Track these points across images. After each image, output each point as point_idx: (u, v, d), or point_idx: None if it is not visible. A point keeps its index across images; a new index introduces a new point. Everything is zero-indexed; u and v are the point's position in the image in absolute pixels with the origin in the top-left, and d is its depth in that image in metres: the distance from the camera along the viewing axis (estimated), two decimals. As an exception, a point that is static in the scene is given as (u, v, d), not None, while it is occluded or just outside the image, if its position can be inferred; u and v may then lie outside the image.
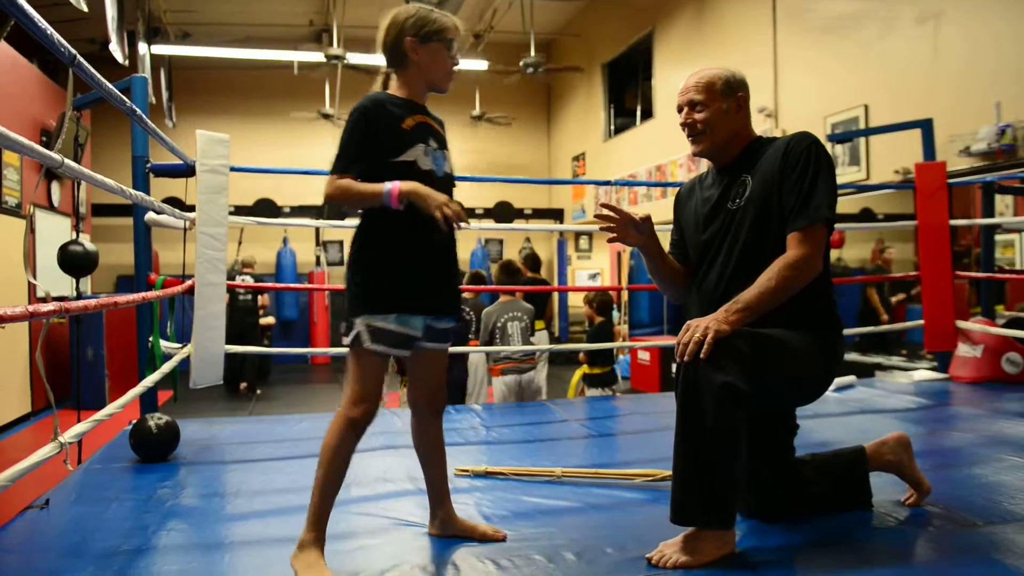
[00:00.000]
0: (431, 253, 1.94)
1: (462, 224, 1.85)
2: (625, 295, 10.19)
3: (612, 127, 12.45)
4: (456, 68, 2.03)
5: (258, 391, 8.81)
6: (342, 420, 1.89)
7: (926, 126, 4.84)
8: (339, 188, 1.87)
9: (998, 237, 7.21)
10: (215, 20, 11.45)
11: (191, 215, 3.40)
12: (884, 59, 6.62)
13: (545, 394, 5.18)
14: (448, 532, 2.05)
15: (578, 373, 5.33)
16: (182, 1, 10.75)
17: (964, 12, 5.84)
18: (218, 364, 3.34)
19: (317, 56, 10.90)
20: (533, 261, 6.75)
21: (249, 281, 8.87)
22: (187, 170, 3.46)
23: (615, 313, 12.34)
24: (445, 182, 2.00)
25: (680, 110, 2.18)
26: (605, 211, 2.14)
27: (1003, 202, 7.11)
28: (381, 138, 1.89)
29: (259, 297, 9.06)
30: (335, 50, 10.45)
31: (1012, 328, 4.44)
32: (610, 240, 2.17)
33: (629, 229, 2.16)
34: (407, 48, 1.95)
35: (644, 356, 8.77)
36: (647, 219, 2.16)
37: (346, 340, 1.90)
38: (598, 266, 13.93)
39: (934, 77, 6.05)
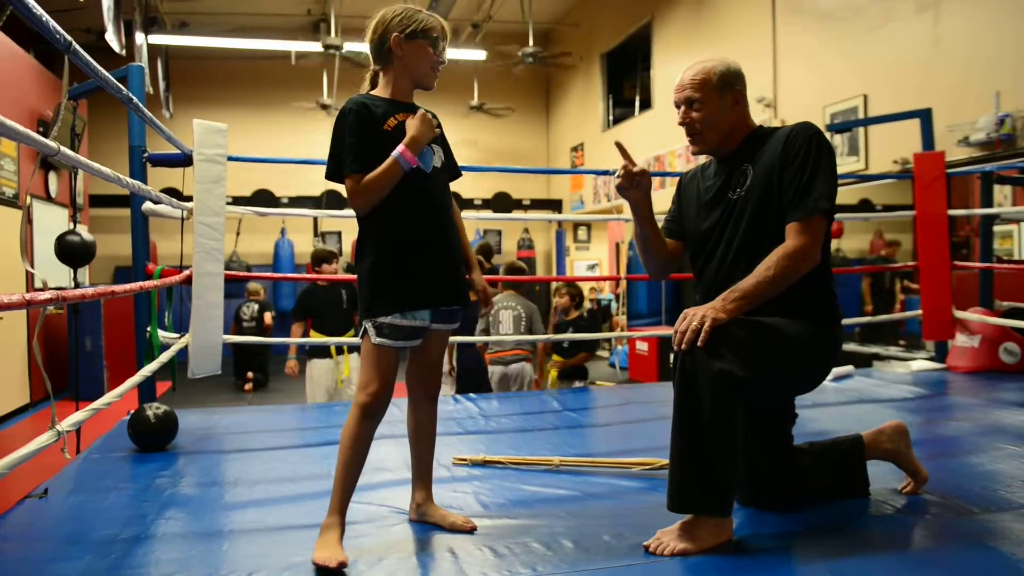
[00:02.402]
0: (426, 250, 1.98)
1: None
2: (624, 285, 10.19)
3: (611, 117, 12.44)
4: (441, 66, 2.06)
5: (250, 385, 8.78)
6: (354, 407, 1.95)
7: (925, 116, 4.83)
8: (366, 186, 1.89)
9: (996, 228, 7.21)
10: (212, 10, 11.41)
11: (189, 205, 3.39)
12: (883, 49, 6.61)
13: (529, 387, 5.08)
14: (422, 517, 2.09)
15: (554, 368, 5.23)
16: (179, -9, 10.72)
17: (963, 2, 5.83)
18: (216, 354, 3.34)
19: (315, 46, 10.87)
20: (486, 252, 6.73)
21: (255, 307, 8.90)
22: (184, 160, 3.44)
23: (613, 304, 12.30)
24: (435, 177, 2.04)
25: (677, 107, 2.16)
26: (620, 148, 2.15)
27: (1001, 192, 7.10)
28: (368, 141, 1.93)
29: (265, 316, 9.08)
30: (333, 40, 10.43)
31: (1010, 318, 4.44)
32: (618, 186, 2.16)
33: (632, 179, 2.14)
34: (393, 44, 1.98)
35: (642, 346, 8.78)
36: (644, 173, 2.15)
37: (359, 336, 1.98)
38: (596, 257, 13.94)
39: (933, 67, 6.05)
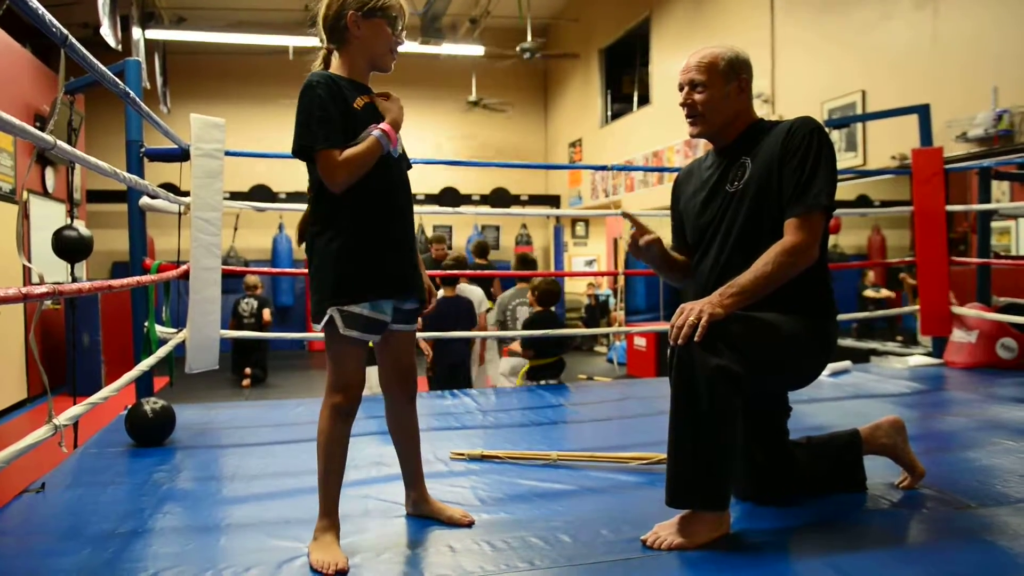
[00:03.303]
0: (392, 237, 1.93)
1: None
2: (622, 281, 10.19)
3: (609, 113, 12.42)
4: (399, 47, 1.98)
5: (248, 380, 8.77)
6: (326, 408, 1.90)
7: (923, 112, 4.84)
8: (347, 162, 1.80)
9: (994, 224, 7.22)
10: (210, 5, 11.38)
11: (186, 200, 3.39)
12: (882, 44, 6.60)
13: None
14: (419, 512, 2.09)
15: (525, 367, 5.12)
16: (176, -15, 10.69)
17: (962, -3, 5.82)
18: (214, 349, 3.34)
19: (312, 41, 10.83)
20: (481, 249, 6.79)
21: (254, 303, 8.90)
22: (182, 154, 3.44)
23: (611, 299, 12.27)
24: (400, 163, 2.00)
25: (681, 88, 2.15)
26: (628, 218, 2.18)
27: (999, 188, 7.11)
28: (340, 116, 1.85)
29: (264, 312, 9.07)
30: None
31: (1007, 314, 4.45)
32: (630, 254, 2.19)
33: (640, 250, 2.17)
34: (349, 22, 1.90)
35: (640, 342, 8.79)
36: (654, 243, 2.16)
37: (318, 326, 1.89)
38: (594, 252, 13.93)
39: (931, 63, 6.04)
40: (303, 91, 1.84)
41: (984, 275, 4.89)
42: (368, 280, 1.87)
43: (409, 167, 2.09)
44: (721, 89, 2.10)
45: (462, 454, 2.69)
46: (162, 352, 3.19)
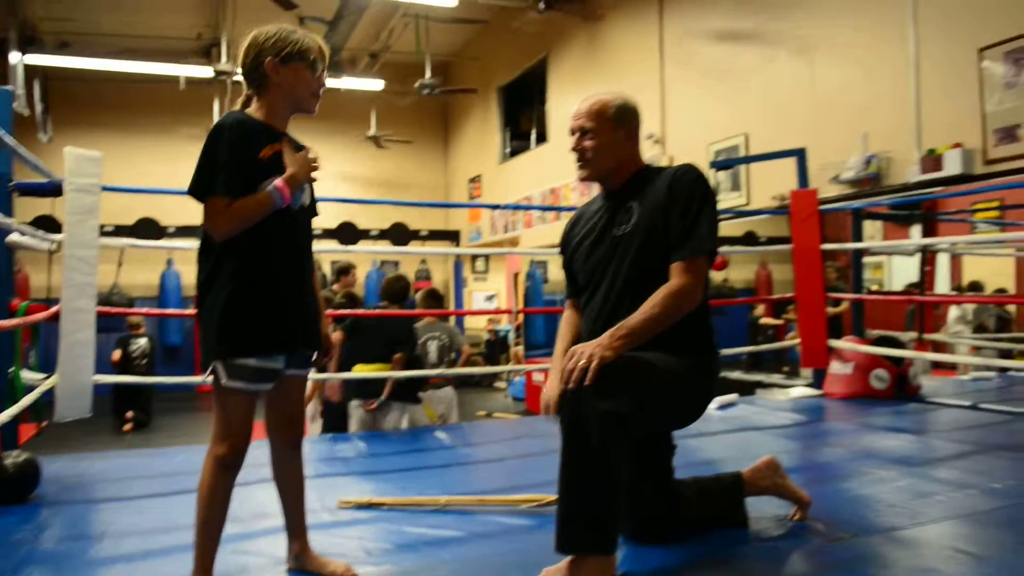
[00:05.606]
0: (285, 287, 1.89)
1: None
2: (520, 318, 10.26)
3: (508, 150, 12.59)
4: (322, 90, 1.97)
5: (130, 425, 8.32)
6: (210, 458, 1.83)
7: (800, 155, 5.11)
8: (234, 213, 1.77)
9: (869, 259, 7.67)
10: (97, 30, 10.93)
11: (59, 237, 3.20)
12: (763, 91, 6.97)
13: (455, 409, 5.24)
14: (302, 567, 2.01)
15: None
16: (61, 9, 10.19)
17: (835, 49, 6.23)
18: (86, 395, 3.15)
19: (206, 71, 10.56)
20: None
21: (142, 343, 8.53)
22: (54, 189, 3.26)
23: (510, 335, 12.32)
24: (300, 215, 1.95)
25: (572, 134, 2.21)
26: None
27: (873, 227, 7.58)
28: (242, 165, 1.81)
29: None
30: (224, 65, 10.17)
31: (879, 346, 4.71)
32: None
33: None
34: (267, 68, 1.88)
35: (539, 377, 8.83)
36: None
37: (204, 377, 1.84)
38: (494, 288, 13.99)
39: (808, 109, 6.42)
40: (211, 132, 1.81)
41: (858, 309, 5.18)
42: (256, 335, 1.82)
43: (315, 215, 2.05)
44: (610, 135, 2.16)
45: (350, 502, 2.61)
46: (27, 400, 2.98)
